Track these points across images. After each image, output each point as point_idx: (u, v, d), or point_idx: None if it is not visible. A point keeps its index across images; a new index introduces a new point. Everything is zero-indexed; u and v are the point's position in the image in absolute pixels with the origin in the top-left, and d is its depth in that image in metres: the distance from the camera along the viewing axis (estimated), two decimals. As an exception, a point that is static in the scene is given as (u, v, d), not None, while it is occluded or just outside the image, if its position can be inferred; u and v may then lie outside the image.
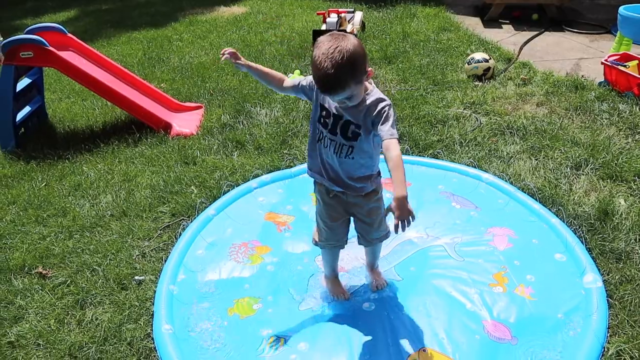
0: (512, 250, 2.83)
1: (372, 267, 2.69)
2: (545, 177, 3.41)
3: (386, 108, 2.05)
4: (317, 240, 2.53)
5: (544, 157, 3.63)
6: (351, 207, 2.37)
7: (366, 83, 2.10)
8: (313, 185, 2.42)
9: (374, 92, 2.10)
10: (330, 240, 2.49)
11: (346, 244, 2.54)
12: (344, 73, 1.91)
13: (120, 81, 4.77)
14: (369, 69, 2.04)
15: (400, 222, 1.90)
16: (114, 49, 7.12)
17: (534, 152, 3.71)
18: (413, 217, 1.93)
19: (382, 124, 2.03)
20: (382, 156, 2.07)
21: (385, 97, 2.09)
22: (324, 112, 2.18)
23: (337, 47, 1.90)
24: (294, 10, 8.15)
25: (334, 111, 2.15)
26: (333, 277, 2.65)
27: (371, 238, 2.48)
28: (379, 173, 2.33)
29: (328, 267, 2.63)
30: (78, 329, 2.55)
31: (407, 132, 4.05)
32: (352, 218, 2.46)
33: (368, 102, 2.07)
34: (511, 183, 3.37)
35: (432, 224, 3.08)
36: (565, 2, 6.82)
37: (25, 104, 4.71)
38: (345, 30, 6.03)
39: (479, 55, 5.07)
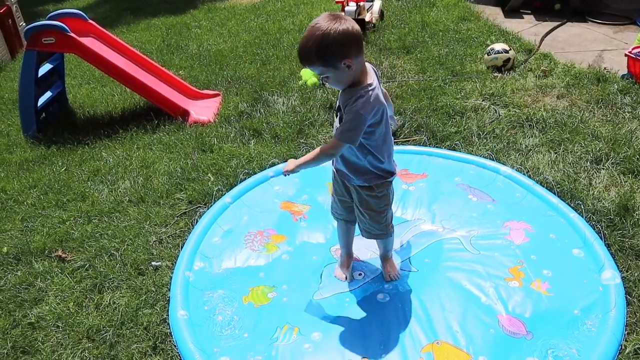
0: (529, 244, 2.81)
1: (384, 257, 2.70)
2: (564, 171, 3.37)
3: (354, 113, 2.06)
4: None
5: (563, 151, 3.58)
6: (353, 190, 2.42)
7: (367, 80, 2.10)
8: (331, 173, 2.50)
9: (365, 97, 2.07)
10: (333, 209, 2.62)
11: (350, 222, 2.61)
12: (311, 50, 1.99)
13: (139, 68, 4.79)
14: (347, 60, 2.00)
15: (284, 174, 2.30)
16: (133, 36, 7.16)
17: (554, 146, 3.66)
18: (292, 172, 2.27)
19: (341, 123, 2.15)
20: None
21: (365, 108, 2.06)
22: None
23: (319, 26, 1.97)
24: (313, -2, 8.11)
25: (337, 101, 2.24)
26: (345, 256, 2.72)
27: (363, 228, 2.51)
28: (379, 176, 2.31)
29: (340, 244, 2.73)
30: (96, 312, 2.60)
31: (424, 123, 4.02)
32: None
33: (354, 102, 2.08)
34: (529, 176, 3.34)
35: (448, 217, 3.06)
36: (589, -8, 6.68)
37: (47, 89, 4.77)
38: (364, 19, 5.99)
39: (498, 46, 5.00)
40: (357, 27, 2.02)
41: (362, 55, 2.07)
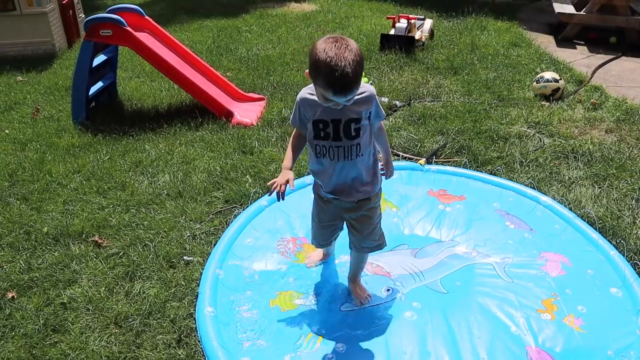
0: (565, 278, 2.73)
1: (354, 279, 2.65)
2: (607, 206, 3.27)
3: (371, 94, 2.16)
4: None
5: (608, 186, 3.49)
6: (344, 212, 2.42)
7: None
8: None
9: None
10: (317, 239, 2.65)
11: (330, 245, 2.73)
12: (359, 70, 1.92)
13: (188, 66, 4.90)
14: None
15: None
16: (185, 35, 7.33)
17: (598, 180, 3.57)
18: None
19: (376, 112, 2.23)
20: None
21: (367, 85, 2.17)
22: (321, 125, 2.17)
23: (346, 47, 1.90)
24: (364, 12, 8.16)
25: (332, 117, 2.14)
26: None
27: (361, 246, 2.50)
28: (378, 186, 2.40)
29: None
30: (125, 299, 2.64)
31: (467, 145, 3.98)
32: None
33: (364, 94, 2.13)
34: (570, 209, 3.26)
35: (482, 242, 3.01)
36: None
37: (99, 79, 4.92)
38: (413, 37, 5.99)
39: (548, 75, 4.93)
40: None
41: None
